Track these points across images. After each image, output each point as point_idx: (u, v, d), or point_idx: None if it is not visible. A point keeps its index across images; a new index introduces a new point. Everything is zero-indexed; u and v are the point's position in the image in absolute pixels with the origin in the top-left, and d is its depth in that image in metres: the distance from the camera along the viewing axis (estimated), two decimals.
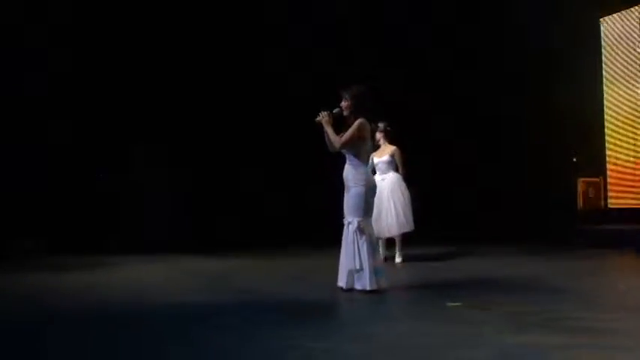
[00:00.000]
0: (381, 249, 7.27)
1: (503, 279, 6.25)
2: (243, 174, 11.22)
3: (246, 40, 11.58)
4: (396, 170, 7.66)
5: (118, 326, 4.31)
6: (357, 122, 5.44)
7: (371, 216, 5.53)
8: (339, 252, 5.47)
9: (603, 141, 12.46)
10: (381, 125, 7.41)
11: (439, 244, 9.29)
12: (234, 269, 7.55)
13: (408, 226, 7.56)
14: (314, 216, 9.93)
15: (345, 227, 5.47)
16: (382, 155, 7.62)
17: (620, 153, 12.40)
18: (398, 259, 7.63)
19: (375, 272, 5.35)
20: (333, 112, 5.52)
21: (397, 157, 7.60)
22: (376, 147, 7.40)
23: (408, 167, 7.69)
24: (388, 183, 7.58)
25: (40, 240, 9.51)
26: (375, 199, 7.03)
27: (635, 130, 12.12)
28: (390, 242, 7.81)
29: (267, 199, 11.27)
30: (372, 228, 5.51)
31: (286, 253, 9.23)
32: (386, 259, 7.55)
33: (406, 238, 7.70)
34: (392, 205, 7.49)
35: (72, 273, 7.29)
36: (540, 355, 3.32)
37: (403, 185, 7.64)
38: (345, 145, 5.44)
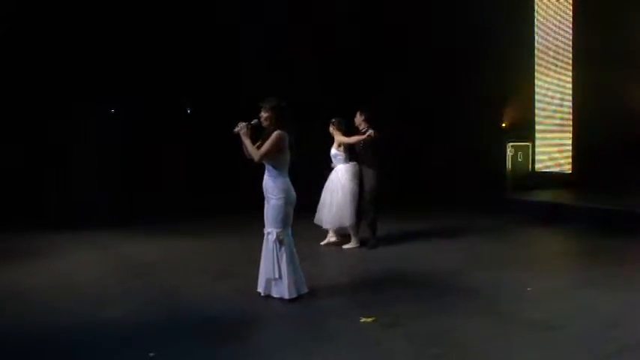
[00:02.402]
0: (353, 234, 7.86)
1: (423, 275, 6.51)
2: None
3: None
4: (349, 160, 7.90)
5: None
6: (275, 134, 5.47)
7: (290, 226, 5.63)
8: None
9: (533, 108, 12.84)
10: (333, 120, 7.87)
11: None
12: (163, 260, 7.57)
13: (341, 222, 7.83)
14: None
15: (265, 237, 5.59)
16: (334, 147, 7.94)
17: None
18: (345, 245, 7.98)
19: (295, 280, 5.53)
20: (252, 123, 5.54)
21: (341, 147, 7.88)
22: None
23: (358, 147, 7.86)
24: (335, 176, 7.91)
25: None
26: (324, 188, 7.55)
27: (561, 103, 12.52)
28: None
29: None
30: (291, 238, 5.63)
31: (223, 229, 9.33)
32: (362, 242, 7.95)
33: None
34: (332, 199, 7.81)
35: None
36: None
37: (347, 178, 7.83)
38: (263, 157, 5.49)
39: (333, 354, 4.30)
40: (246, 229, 8.56)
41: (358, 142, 7.75)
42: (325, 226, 7.98)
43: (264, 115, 5.55)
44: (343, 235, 8.10)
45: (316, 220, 8.00)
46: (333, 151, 7.94)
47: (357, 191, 7.83)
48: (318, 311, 5.32)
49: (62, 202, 10.01)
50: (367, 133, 7.65)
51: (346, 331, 4.77)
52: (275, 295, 5.55)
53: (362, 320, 4.95)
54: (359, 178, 7.86)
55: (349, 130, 7.97)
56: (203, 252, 7.96)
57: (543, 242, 8.59)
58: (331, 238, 8.13)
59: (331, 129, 7.95)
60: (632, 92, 11.26)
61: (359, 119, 7.91)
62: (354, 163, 7.92)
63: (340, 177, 7.86)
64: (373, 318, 4.98)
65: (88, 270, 7.02)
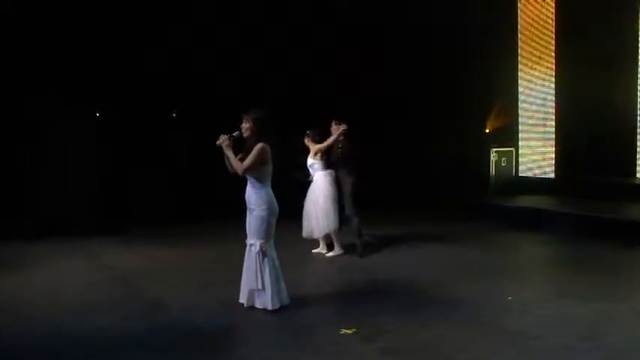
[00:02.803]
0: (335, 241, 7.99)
1: (405, 284, 6.56)
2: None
3: None
4: (326, 168, 7.98)
5: None
6: (258, 147, 5.48)
7: (272, 237, 5.64)
8: None
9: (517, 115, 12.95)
10: (308, 132, 8.01)
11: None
12: (145, 269, 7.55)
13: (329, 227, 7.88)
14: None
15: (248, 248, 5.61)
16: (310, 157, 8.03)
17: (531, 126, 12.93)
18: (328, 253, 8.07)
19: (277, 291, 5.55)
20: (233, 135, 5.55)
21: (318, 155, 7.96)
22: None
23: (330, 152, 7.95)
24: (315, 186, 8.00)
25: None
26: (306, 200, 7.77)
27: (545, 110, 12.64)
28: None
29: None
30: (274, 250, 5.64)
31: (205, 239, 9.37)
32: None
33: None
34: (315, 208, 7.89)
35: None
36: None
37: (327, 184, 7.90)
38: (247, 170, 5.50)
39: None
40: (228, 238, 8.60)
41: (336, 141, 7.83)
42: (316, 235, 8.03)
43: (245, 125, 5.56)
44: (329, 245, 8.15)
45: (306, 234, 8.02)
46: (310, 161, 8.01)
47: (336, 196, 7.90)
48: (299, 323, 5.32)
49: (42, 210, 9.86)
50: (340, 129, 7.76)
51: (326, 344, 4.78)
52: (258, 306, 5.57)
53: (342, 332, 4.98)
54: (337, 184, 7.94)
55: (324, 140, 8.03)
56: (185, 261, 7.93)
57: (525, 250, 8.66)
58: (322, 250, 8.17)
59: (306, 141, 8.05)
60: (614, 96, 11.40)
61: (334, 128, 7.96)
62: (331, 170, 8.00)
63: (320, 185, 7.93)
64: (354, 330, 5.01)
65: (71, 280, 6.99)
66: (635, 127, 11.39)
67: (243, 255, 5.69)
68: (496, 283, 6.47)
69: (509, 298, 5.86)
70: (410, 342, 4.74)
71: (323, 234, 8.03)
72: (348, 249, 8.10)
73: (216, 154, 5.67)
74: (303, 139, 8.11)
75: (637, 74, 11.23)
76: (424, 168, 12.57)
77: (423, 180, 12.45)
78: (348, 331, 4.98)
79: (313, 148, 7.99)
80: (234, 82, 11.05)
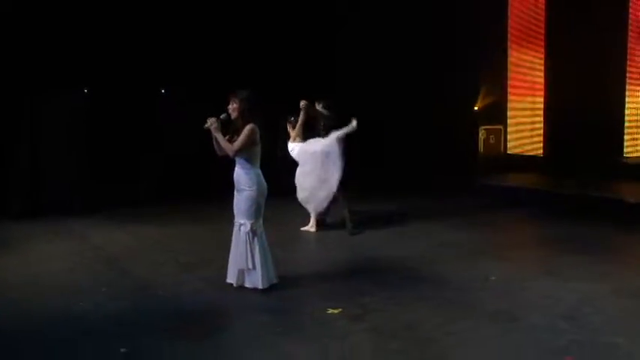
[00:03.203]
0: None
1: (391, 263, 6.65)
2: None
3: None
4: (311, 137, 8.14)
5: None
6: (248, 128, 5.49)
7: (261, 217, 5.67)
8: None
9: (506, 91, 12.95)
10: (292, 118, 8.18)
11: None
12: (132, 249, 7.56)
13: (328, 193, 7.97)
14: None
15: (237, 228, 5.64)
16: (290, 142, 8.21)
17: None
18: (303, 228, 8.30)
19: (267, 270, 5.62)
20: (221, 117, 5.54)
21: (297, 140, 8.14)
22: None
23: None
24: (306, 158, 8.06)
25: None
26: (302, 174, 7.97)
27: (533, 85, 12.65)
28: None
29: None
30: (263, 228, 5.69)
31: (192, 218, 9.37)
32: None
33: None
34: (317, 179, 7.96)
35: None
36: None
37: (320, 148, 7.96)
38: (238, 152, 5.51)
39: (298, 349, 4.38)
40: (214, 218, 8.68)
41: (303, 119, 7.97)
42: (311, 207, 8.13)
43: (233, 106, 5.56)
44: (319, 222, 8.26)
45: (302, 202, 8.11)
46: (290, 146, 8.19)
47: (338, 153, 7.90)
48: (285, 302, 5.37)
49: (27, 190, 9.75)
50: (301, 105, 7.87)
51: (313, 324, 4.85)
52: (248, 286, 5.62)
53: (329, 312, 5.04)
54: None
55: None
56: (171, 241, 7.92)
57: (511, 228, 8.73)
58: (311, 228, 8.25)
59: (289, 127, 8.25)
60: (604, 74, 11.43)
61: (318, 107, 8.10)
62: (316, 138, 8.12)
63: (314, 151, 7.96)
64: (340, 309, 5.08)
65: (58, 261, 6.98)
66: (624, 106, 11.45)
67: (231, 234, 5.72)
68: (480, 263, 6.55)
69: (493, 278, 5.93)
70: (395, 322, 4.80)
71: (322, 204, 8.06)
72: (338, 226, 8.20)
73: (204, 134, 5.64)
74: (286, 125, 8.29)
75: (626, 52, 11.26)
76: (413, 146, 12.59)
77: (412, 158, 12.47)
78: (335, 311, 5.05)
79: (292, 133, 8.19)
80: (223, 59, 10.92)
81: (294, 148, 8.12)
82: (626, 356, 4.09)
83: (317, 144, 8.00)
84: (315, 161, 7.93)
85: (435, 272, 6.23)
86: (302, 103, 7.90)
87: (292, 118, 8.18)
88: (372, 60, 12.20)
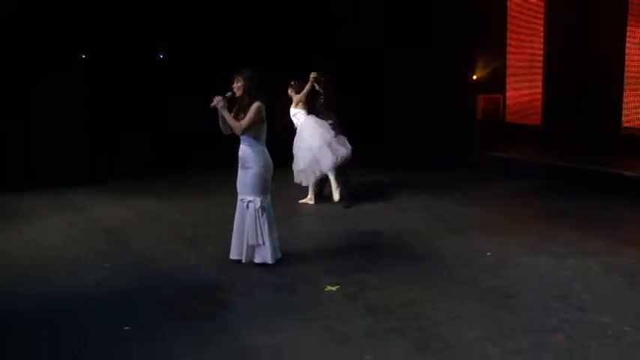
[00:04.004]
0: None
1: (387, 239, 6.77)
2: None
3: None
4: (310, 113, 8.20)
5: None
6: (255, 105, 5.57)
7: (269, 192, 5.78)
8: None
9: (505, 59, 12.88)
10: (293, 82, 8.20)
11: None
12: (134, 223, 7.63)
13: (325, 167, 8.09)
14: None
15: (244, 205, 5.72)
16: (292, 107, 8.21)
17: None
18: (301, 200, 8.43)
19: (275, 245, 5.77)
20: (227, 95, 5.60)
21: (300, 105, 8.16)
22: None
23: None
24: (303, 134, 8.15)
25: None
26: (296, 146, 8.08)
27: (532, 51, 12.59)
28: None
29: None
30: (270, 204, 5.79)
31: (192, 192, 9.42)
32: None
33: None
34: (309, 154, 8.05)
35: None
36: None
37: (315, 127, 8.10)
38: (246, 130, 5.58)
39: (296, 328, 4.46)
40: (215, 191, 8.73)
41: (310, 88, 8.02)
42: (305, 183, 8.25)
43: (237, 84, 5.63)
44: (317, 195, 8.37)
45: (297, 180, 8.24)
46: (293, 110, 8.20)
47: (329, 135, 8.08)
48: (284, 279, 5.47)
49: (25, 160, 9.75)
50: (311, 77, 7.94)
51: (311, 302, 4.95)
52: (257, 261, 5.73)
53: (327, 289, 5.15)
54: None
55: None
56: (172, 215, 8.00)
57: (507, 203, 8.69)
58: (309, 200, 8.37)
59: (290, 91, 8.21)
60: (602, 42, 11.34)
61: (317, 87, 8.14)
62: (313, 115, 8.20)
63: (309, 128, 8.10)
64: (337, 286, 5.19)
65: (60, 234, 7.08)
66: (623, 76, 11.38)
67: (232, 209, 5.80)
68: (476, 238, 6.64)
69: (488, 254, 6.04)
70: (391, 300, 4.92)
71: (318, 177, 8.19)
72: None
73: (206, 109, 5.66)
74: (287, 89, 8.24)
75: (625, 22, 11.15)
76: (411, 116, 12.59)
77: (410, 128, 12.49)
78: (333, 288, 5.16)
79: (295, 97, 8.15)
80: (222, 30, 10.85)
81: (297, 114, 8.15)
82: (615, 335, 4.21)
83: (318, 130, 8.07)
84: (313, 141, 8.03)
85: (431, 247, 6.34)
86: (312, 75, 7.96)
87: (293, 83, 8.20)
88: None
